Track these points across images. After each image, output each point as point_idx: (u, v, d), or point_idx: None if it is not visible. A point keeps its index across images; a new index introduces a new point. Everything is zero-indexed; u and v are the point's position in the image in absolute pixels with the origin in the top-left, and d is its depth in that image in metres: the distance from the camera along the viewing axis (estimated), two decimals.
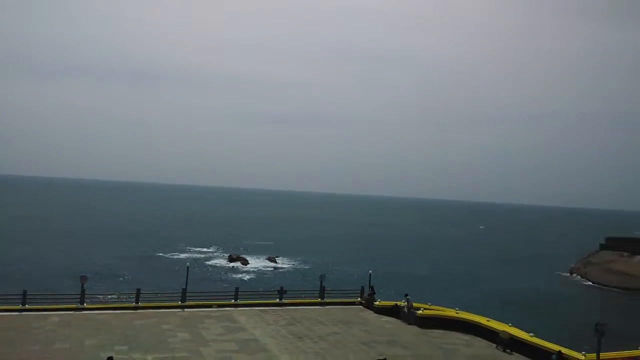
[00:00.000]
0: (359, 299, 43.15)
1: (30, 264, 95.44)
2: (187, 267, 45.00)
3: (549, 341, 31.01)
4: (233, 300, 40.60)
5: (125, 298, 40.07)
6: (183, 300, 39.57)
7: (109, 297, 41.78)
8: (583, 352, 27.84)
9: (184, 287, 40.32)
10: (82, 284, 37.47)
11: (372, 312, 40.36)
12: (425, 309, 38.39)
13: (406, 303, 38.75)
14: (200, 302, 40.10)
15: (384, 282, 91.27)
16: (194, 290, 43.14)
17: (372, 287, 42.95)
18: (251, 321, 35.74)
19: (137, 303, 38.31)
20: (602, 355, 26.84)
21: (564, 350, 28.73)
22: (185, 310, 38.35)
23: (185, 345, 29.83)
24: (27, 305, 35.80)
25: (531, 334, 31.77)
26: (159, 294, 43.08)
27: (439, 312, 38.39)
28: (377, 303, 41.07)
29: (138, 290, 39.14)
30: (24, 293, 36.23)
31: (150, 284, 72.22)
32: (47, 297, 39.38)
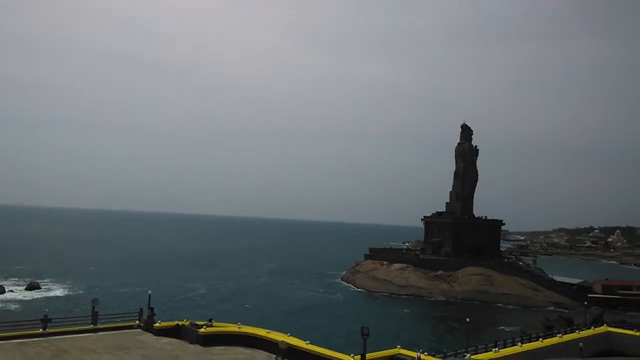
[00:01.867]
0: (137, 321, 40.78)
1: None
2: None
3: (323, 347, 33.24)
4: None
5: None
6: None
7: None
8: (352, 355, 30.40)
9: None
10: None
11: (151, 334, 38.43)
12: (207, 326, 37.97)
13: (206, 322, 38.42)
14: None
15: (166, 302, 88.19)
16: None
17: (151, 309, 40.96)
18: (8, 356, 31.08)
19: None
20: (367, 355, 29.71)
21: (337, 355, 31.05)
22: None
23: None
24: None
25: (307, 342, 33.64)
26: None
27: (221, 328, 38.33)
28: (157, 325, 39.29)
29: None
30: None
31: None
32: None
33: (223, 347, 35.21)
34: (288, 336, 34.68)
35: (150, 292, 44.18)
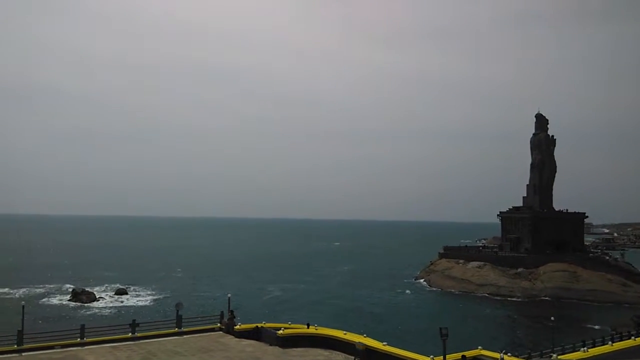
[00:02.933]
0: (219, 324, 42.16)
1: None
2: (23, 306, 40.44)
3: (400, 347, 32.94)
4: (79, 339, 37.25)
5: None
6: (19, 343, 35.36)
7: None
8: (431, 356, 29.92)
9: (20, 328, 36.12)
10: None
11: (232, 336, 39.61)
12: (285, 328, 38.62)
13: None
14: (40, 344, 36.16)
15: (244, 305, 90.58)
16: (32, 332, 38.89)
17: (231, 311, 42.24)
18: (102, 359, 33.08)
19: None
20: (448, 356, 29.13)
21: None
22: (23, 354, 34.30)
23: None
24: None
25: (384, 343, 33.46)
26: None
27: (299, 330, 38.88)
28: (237, 327, 40.43)
29: None
30: None
31: None
32: None
33: (302, 349, 35.69)
34: (365, 337, 34.67)
35: (229, 295, 45.46)
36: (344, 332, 36.98)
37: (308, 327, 39.21)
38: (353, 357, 33.26)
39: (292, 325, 40.37)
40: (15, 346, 35.08)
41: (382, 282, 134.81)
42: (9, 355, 33.83)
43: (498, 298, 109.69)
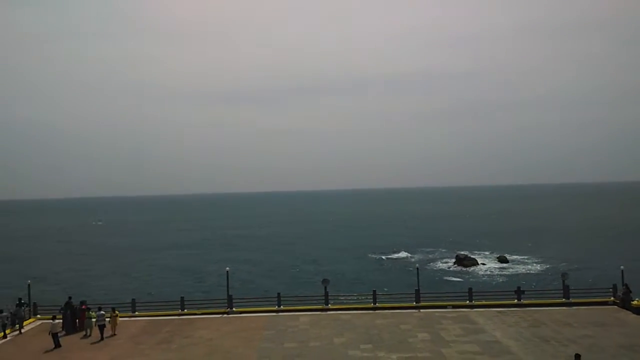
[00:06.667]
0: (612, 298, 38.73)
1: (285, 270, 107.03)
2: (417, 269, 45.69)
3: None
4: (468, 301, 39.93)
5: (364, 299, 42.38)
6: (417, 300, 40.28)
7: (349, 298, 44.60)
8: None
9: (417, 287, 41.00)
10: (325, 287, 40.74)
11: (630, 312, 35.87)
12: None
13: None
14: (435, 303, 40.34)
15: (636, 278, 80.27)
16: (427, 291, 43.57)
17: (626, 285, 38.24)
18: (490, 322, 34.70)
19: (375, 304, 40.20)
20: None
21: None
22: (421, 310, 38.93)
23: (426, 345, 30.27)
24: (281, 307, 40.31)
25: None
26: (394, 295, 44.55)
27: None
28: (634, 302, 36.37)
29: (374, 291, 41.11)
30: (279, 296, 40.94)
31: (384, 285, 75.07)
32: (298, 299, 43.86)
33: None
34: None
35: (622, 267, 41.14)
36: None
37: None
38: None
39: None
40: (414, 303, 40.11)
41: None
42: (409, 311, 38.95)
43: None
